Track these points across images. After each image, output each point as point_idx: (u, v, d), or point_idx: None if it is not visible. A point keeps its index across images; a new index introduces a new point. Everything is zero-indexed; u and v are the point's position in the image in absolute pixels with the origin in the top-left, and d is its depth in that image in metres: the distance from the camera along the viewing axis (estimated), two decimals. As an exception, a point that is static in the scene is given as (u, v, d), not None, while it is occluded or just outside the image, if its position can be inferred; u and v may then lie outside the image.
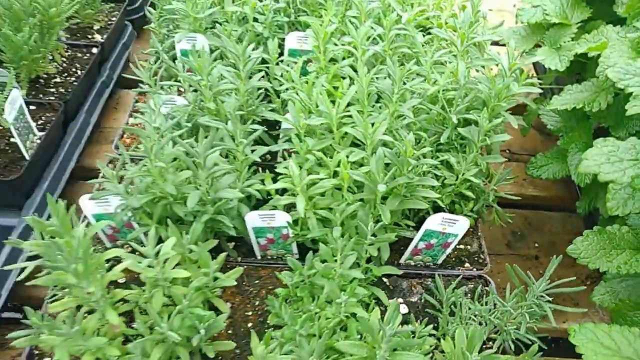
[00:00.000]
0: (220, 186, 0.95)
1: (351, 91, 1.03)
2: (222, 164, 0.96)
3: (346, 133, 1.05)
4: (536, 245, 1.40)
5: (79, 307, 0.81)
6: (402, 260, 1.08)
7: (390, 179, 0.92)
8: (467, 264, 1.10)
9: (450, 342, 0.82)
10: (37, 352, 0.93)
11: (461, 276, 1.05)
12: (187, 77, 1.14)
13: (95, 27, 1.65)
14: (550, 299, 0.83)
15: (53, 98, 1.39)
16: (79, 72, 1.49)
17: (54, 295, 0.93)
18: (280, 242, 1.03)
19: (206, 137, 0.92)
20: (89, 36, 1.61)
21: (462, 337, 0.77)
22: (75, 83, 1.44)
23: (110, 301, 0.77)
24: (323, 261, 0.90)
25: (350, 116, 1.03)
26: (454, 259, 1.11)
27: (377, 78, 1.12)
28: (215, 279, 0.87)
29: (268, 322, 0.95)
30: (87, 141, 1.47)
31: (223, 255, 0.89)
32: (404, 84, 1.03)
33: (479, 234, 1.14)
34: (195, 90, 1.17)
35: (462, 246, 1.13)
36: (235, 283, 0.91)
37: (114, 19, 1.70)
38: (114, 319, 0.73)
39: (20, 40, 1.20)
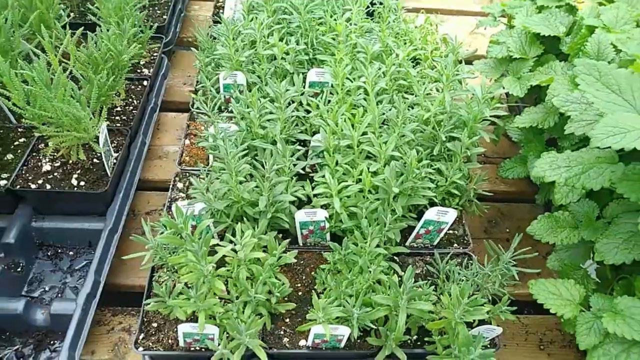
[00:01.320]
0: (277, 192, 1.30)
1: (367, 119, 1.39)
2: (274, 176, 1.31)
3: (362, 149, 1.41)
4: (507, 230, 1.78)
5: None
6: (407, 243, 1.44)
7: (400, 184, 1.28)
8: (455, 245, 1.47)
9: (447, 296, 1.18)
10: (143, 329, 1.27)
11: (451, 253, 1.42)
12: (240, 109, 1.48)
13: (142, 62, 1.97)
14: (515, 263, 1.19)
15: (119, 125, 1.71)
16: (135, 101, 1.81)
17: (159, 276, 1.27)
18: (318, 232, 1.38)
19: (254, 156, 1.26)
20: (138, 70, 1.94)
21: (456, 290, 1.13)
22: (134, 111, 1.77)
23: (216, 274, 1.11)
24: (355, 244, 1.25)
25: (365, 134, 1.39)
26: (445, 241, 1.48)
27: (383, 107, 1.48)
28: (279, 257, 1.21)
29: (314, 290, 1.30)
30: (144, 158, 1.80)
31: (286, 241, 1.24)
32: (408, 110, 1.40)
33: (464, 222, 1.52)
34: (243, 118, 1.52)
35: (451, 231, 1.50)
36: (292, 261, 1.26)
37: (155, 54, 2.03)
38: (221, 286, 1.07)
39: (100, 82, 1.52)
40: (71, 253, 1.61)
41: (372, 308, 1.16)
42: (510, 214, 1.83)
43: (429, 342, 1.22)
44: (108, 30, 1.61)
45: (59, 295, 1.51)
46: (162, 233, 1.14)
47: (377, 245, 1.26)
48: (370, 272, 1.18)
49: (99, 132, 1.47)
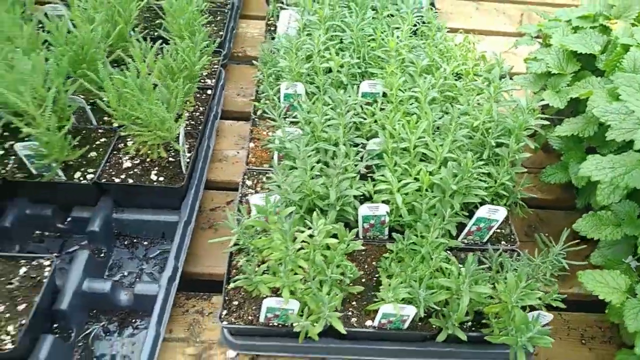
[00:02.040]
0: (343, 187, 1.44)
1: (423, 125, 1.54)
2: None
3: (418, 152, 1.55)
4: (546, 234, 1.89)
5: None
6: (458, 240, 1.57)
7: (456, 183, 1.42)
8: (503, 242, 1.59)
9: (502, 283, 1.31)
10: (226, 306, 1.41)
11: (501, 250, 1.54)
12: (305, 115, 1.64)
13: (205, 73, 2.15)
14: (565, 255, 1.32)
15: (189, 129, 1.88)
16: (201, 108, 1.99)
17: (242, 259, 1.42)
18: (378, 226, 1.51)
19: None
20: (202, 80, 2.11)
21: (512, 276, 1.25)
22: (201, 117, 1.94)
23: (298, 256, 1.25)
24: (415, 235, 1.39)
25: (419, 138, 1.54)
26: (493, 239, 1.60)
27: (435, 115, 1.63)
28: (349, 244, 1.35)
29: (375, 278, 1.44)
30: (209, 161, 1.96)
31: (354, 230, 1.38)
32: (459, 117, 1.54)
33: (510, 222, 1.64)
34: (308, 123, 1.67)
35: (498, 230, 1.62)
36: (357, 250, 1.40)
37: (215, 66, 2.20)
38: (304, 265, 1.21)
39: (177, 88, 1.69)
40: (145, 243, 1.76)
41: (434, 292, 1.29)
42: (547, 219, 1.95)
43: (484, 324, 1.34)
44: (182, 43, 1.79)
45: (137, 279, 1.66)
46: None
47: (438, 237, 1.40)
48: (432, 259, 1.31)
49: (178, 133, 1.63)
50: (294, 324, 1.25)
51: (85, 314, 1.53)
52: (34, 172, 1.63)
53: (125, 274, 1.67)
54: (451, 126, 1.53)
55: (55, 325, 1.46)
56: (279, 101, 1.87)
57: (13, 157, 1.69)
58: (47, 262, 1.44)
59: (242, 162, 2.06)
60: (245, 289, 1.39)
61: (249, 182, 1.70)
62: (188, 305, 1.61)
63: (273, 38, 2.37)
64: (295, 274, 1.24)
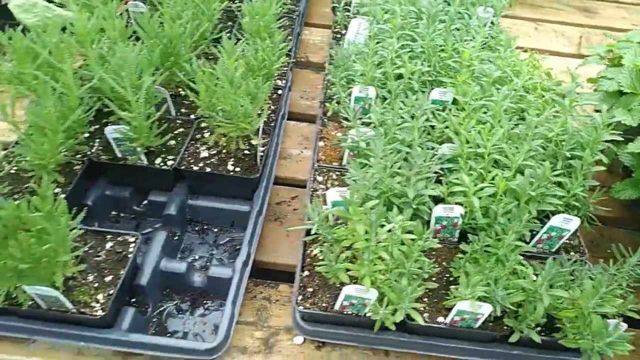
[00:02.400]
0: (419, 187, 1.48)
1: (499, 133, 1.57)
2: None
3: (492, 158, 1.59)
4: (608, 250, 1.89)
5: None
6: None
7: (533, 189, 1.44)
8: (571, 253, 1.60)
9: (577, 289, 1.32)
10: (301, 292, 1.46)
11: (575, 258, 1.55)
12: (381, 117, 1.69)
13: (275, 75, 2.23)
14: (641, 266, 1.33)
15: (263, 125, 1.95)
16: (272, 107, 2.06)
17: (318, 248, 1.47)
18: (450, 228, 1.55)
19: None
20: (272, 81, 2.20)
21: (589, 283, 1.27)
22: (272, 115, 2.01)
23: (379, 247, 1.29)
24: (490, 237, 1.42)
25: (494, 145, 1.57)
26: (562, 249, 1.61)
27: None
28: (426, 241, 1.39)
29: (446, 277, 1.47)
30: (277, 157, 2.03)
31: (432, 228, 1.42)
32: (536, 127, 1.57)
33: (578, 234, 1.65)
34: (382, 125, 1.72)
35: (567, 241, 1.64)
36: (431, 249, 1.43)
37: (284, 68, 2.29)
38: (386, 255, 1.26)
39: (256, 86, 1.76)
40: (215, 230, 1.83)
41: (510, 293, 1.31)
42: (609, 237, 1.95)
43: (553, 329, 1.35)
44: (263, 43, 1.87)
45: (207, 263, 1.72)
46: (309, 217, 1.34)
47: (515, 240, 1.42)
48: (507, 261, 1.34)
49: (258, 127, 1.71)
50: (372, 313, 1.29)
51: (159, 292, 1.60)
52: (118, 155, 1.72)
53: (196, 257, 1.74)
54: (527, 135, 1.56)
55: (133, 300, 1.53)
56: (350, 103, 1.93)
57: (98, 140, 1.79)
58: (132, 239, 1.52)
59: (305, 161, 2.13)
60: (319, 277, 1.44)
61: (319, 178, 1.76)
62: (256, 292, 1.66)
63: (337, 44, 2.45)
64: (375, 264, 1.28)
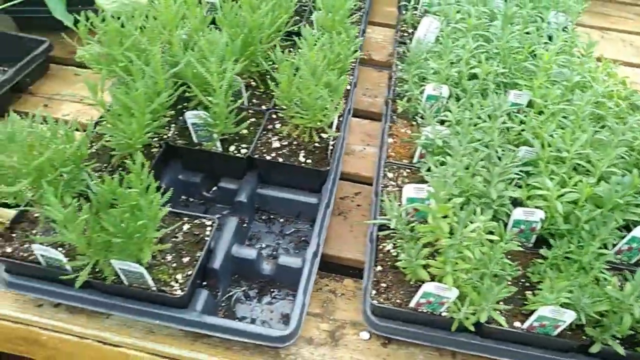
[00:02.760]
0: (500, 188, 1.46)
1: (583, 137, 1.53)
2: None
3: (573, 163, 1.55)
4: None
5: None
6: (604, 258, 1.54)
7: (621, 197, 1.40)
8: (651, 266, 1.55)
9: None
10: (374, 287, 1.46)
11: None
12: (460, 115, 1.67)
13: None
14: None
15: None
16: (341, 104, 2.07)
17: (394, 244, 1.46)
18: (527, 232, 1.52)
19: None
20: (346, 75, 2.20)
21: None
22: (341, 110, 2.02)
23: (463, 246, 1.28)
24: (572, 243, 1.38)
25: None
26: (641, 262, 1.56)
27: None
28: (507, 243, 1.36)
29: (521, 282, 1.44)
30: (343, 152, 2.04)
31: (514, 230, 1.39)
32: (623, 134, 1.52)
33: (658, 247, 1.59)
34: (458, 123, 1.70)
35: (646, 254, 1.58)
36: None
37: (352, 64, 2.29)
38: (470, 254, 1.24)
39: (333, 79, 1.76)
40: (281, 220, 1.85)
41: (595, 301, 1.27)
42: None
43: (635, 343, 1.31)
44: (339, 37, 1.87)
45: (274, 252, 1.74)
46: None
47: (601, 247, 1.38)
48: (592, 269, 1.30)
49: (332, 120, 1.71)
50: (450, 312, 1.27)
51: (229, 277, 1.63)
52: (195, 140, 1.76)
53: (263, 245, 1.76)
54: (612, 142, 1.51)
55: (204, 283, 1.56)
56: (422, 101, 1.92)
57: (173, 125, 1.83)
58: (209, 223, 1.55)
59: (368, 158, 2.13)
60: (393, 273, 1.43)
61: (390, 175, 1.75)
62: (321, 284, 1.67)
63: (402, 43, 2.44)
64: (457, 263, 1.26)
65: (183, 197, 1.88)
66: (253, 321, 1.55)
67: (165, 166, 1.81)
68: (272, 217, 1.86)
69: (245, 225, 1.77)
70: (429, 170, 1.68)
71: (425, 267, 1.32)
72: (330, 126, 1.73)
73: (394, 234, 1.49)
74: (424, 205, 1.29)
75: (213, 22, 1.94)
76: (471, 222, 1.28)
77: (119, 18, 1.65)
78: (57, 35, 2.36)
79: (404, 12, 2.67)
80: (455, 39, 2.08)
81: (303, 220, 1.85)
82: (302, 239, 1.79)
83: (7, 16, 2.44)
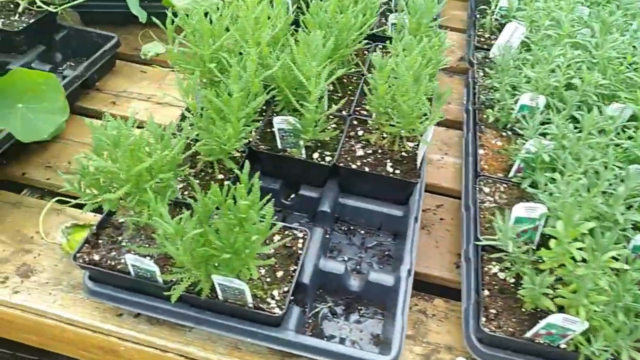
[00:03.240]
0: (621, 211, 1.34)
1: None
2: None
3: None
4: None
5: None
6: None
7: None
8: None
9: None
10: (483, 314, 1.35)
11: None
12: (564, 128, 1.55)
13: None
14: None
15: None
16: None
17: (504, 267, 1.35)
18: (646, 259, 1.40)
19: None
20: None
21: None
22: (424, 116, 1.92)
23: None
24: None
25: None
26: None
27: None
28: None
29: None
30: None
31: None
32: None
33: None
34: (564, 137, 1.59)
35: None
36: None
37: (429, 69, 2.18)
38: (604, 285, 1.13)
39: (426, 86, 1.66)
40: (362, 232, 1.75)
41: None
42: None
43: None
44: (430, 42, 1.77)
45: (357, 266, 1.65)
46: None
47: None
48: None
49: (426, 129, 1.61)
50: (577, 347, 1.16)
51: (315, 292, 1.54)
52: (279, 146, 1.68)
53: (346, 258, 1.67)
54: None
55: (292, 298, 1.47)
56: (514, 111, 1.81)
57: (254, 130, 1.75)
58: (301, 235, 1.46)
59: (447, 167, 2.02)
60: (502, 299, 1.33)
61: (486, 189, 1.64)
62: (410, 303, 1.57)
63: (480, 48, 2.32)
64: (588, 295, 1.15)
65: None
66: (342, 341, 1.45)
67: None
68: (352, 228, 1.77)
69: (327, 236, 1.68)
70: (531, 186, 1.57)
71: (546, 295, 1.21)
72: (422, 135, 1.63)
73: (503, 256, 1.38)
74: (554, 229, 1.18)
75: (293, 22, 1.87)
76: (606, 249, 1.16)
77: (206, 15, 1.57)
78: (118, 31, 2.32)
79: (477, 16, 2.56)
80: (543, 46, 1.96)
81: (385, 232, 1.75)
82: (386, 253, 1.70)
83: (73, 11, 2.39)
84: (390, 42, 1.87)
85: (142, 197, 1.21)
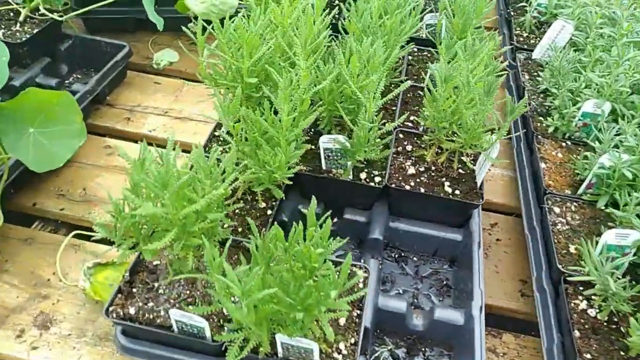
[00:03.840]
0: None
1: None
2: None
3: None
4: None
5: None
6: None
7: None
8: None
9: None
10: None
11: None
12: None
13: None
14: None
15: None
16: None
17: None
18: None
19: None
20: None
21: None
22: (473, 127, 1.75)
23: None
24: None
25: None
26: None
27: None
28: None
29: None
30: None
31: None
32: None
33: None
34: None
35: None
36: None
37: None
38: None
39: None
40: (415, 259, 1.59)
41: None
42: None
43: None
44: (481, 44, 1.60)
45: (414, 300, 1.48)
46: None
47: None
48: None
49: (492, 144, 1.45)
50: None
51: (373, 333, 1.37)
52: (323, 166, 1.50)
53: (400, 291, 1.50)
54: None
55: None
56: (575, 119, 1.65)
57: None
58: (362, 272, 1.29)
59: (494, 181, 1.86)
60: (596, 339, 1.17)
61: (556, 209, 1.48)
62: (480, 341, 1.40)
63: (520, 49, 2.16)
64: None
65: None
66: (408, 389, 1.29)
67: (285, 195, 1.55)
68: (403, 254, 1.60)
69: (380, 266, 1.51)
70: (611, 206, 1.41)
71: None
72: (486, 150, 1.46)
73: (597, 292, 1.22)
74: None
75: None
76: None
77: (250, 16, 1.38)
78: (126, 38, 2.12)
79: (511, 13, 2.39)
80: (598, 47, 1.80)
81: (440, 258, 1.59)
82: (444, 282, 1.53)
83: (77, 18, 2.18)
84: (434, 46, 1.71)
85: (188, 241, 1.02)
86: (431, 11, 2.07)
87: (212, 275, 0.94)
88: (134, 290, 1.19)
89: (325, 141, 1.42)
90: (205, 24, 1.33)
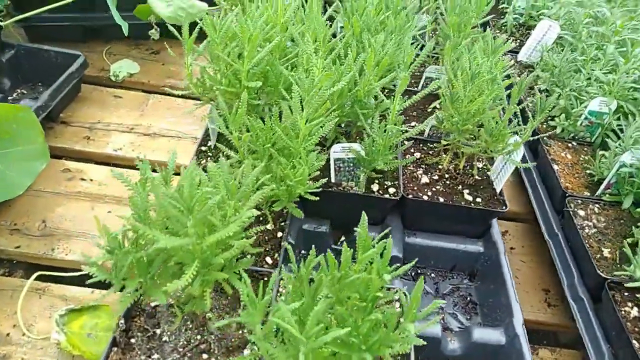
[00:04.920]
0: None
1: None
2: None
3: None
4: None
5: None
6: None
7: None
8: None
9: None
10: None
11: None
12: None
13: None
14: None
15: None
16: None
17: None
18: None
19: None
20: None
21: None
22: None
23: None
24: None
25: None
26: None
27: None
28: None
29: None
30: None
31: None
32: None
33: None
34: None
35: None
36: None
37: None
38: None
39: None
40: (432, 275, 1.45)
41: None
42: None
43: None
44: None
45: (441, 321, 1.34)
46: None
47: None
48: None
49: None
50: None
51: (406, 364, 1.21)
52: (332, 179, 1.34)
53: (425, 313, 1.35)
54: None
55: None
56: (580, 118, 1.59)
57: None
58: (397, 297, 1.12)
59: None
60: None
61: (581, 213, 1.39)
62: None
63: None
64: None
65: (303, 251, 1.45)
66: None
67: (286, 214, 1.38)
68: (418, 271, 1.46)
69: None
70: (633, 205, 1.35)
71: None
72: (507, 154, 1.36)
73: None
74: None
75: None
76: None
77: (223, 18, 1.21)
78: (77, 48, 1.86)
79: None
80: (588, 45, 1.78)
81: (458, 273, 1.46)
82: (469, 299, 1.40)
83: (17, 25, 1.90)
84: (433, 48, 1.61)
85: (207, 275, 0.83)
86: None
87: (252, 316, 0.74)
88: (133, 340, 0.96)
89: (337, 151, 1.26)
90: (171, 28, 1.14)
